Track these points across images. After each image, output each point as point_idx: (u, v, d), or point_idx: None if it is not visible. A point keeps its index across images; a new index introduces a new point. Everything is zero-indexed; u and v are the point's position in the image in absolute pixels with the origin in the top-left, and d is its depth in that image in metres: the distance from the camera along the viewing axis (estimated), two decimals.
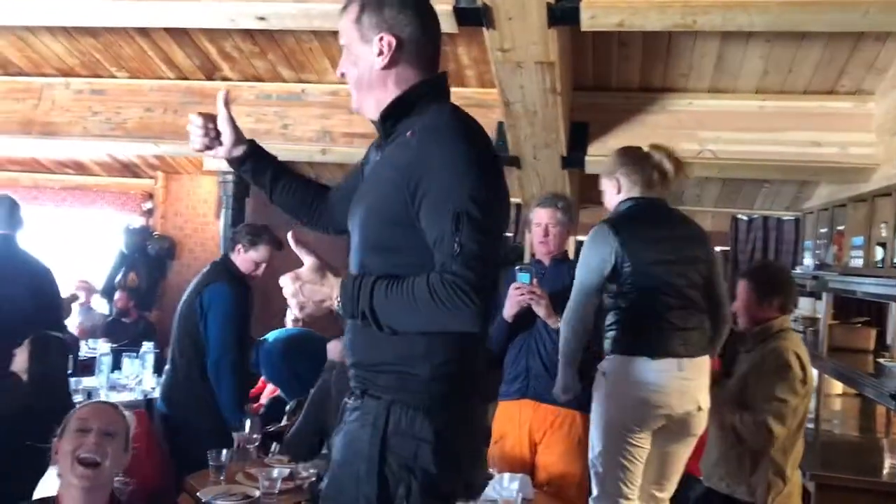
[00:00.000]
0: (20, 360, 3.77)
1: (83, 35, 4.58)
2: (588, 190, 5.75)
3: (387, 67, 1.71)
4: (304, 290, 1.64)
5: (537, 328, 3.22)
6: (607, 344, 2.81)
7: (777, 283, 3.02)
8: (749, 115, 4.24)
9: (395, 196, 1.63)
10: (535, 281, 3.14)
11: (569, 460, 3.15)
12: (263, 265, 3.70)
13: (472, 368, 1.73)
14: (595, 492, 2.79)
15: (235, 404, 3.48)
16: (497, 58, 3.33)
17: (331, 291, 1.63)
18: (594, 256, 2.76)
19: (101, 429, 2.09)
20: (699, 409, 2.72)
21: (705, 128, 4.28)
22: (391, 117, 1.73)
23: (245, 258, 3.68)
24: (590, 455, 2.80)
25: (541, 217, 3.33)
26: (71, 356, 4.58)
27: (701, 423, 2.76)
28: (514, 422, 3.21)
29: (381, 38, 1.70)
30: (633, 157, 2.88)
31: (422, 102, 1.71)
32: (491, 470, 2.82)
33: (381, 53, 1.70)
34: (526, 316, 3.18)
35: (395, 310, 1.59)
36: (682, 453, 2.83)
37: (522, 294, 3.12)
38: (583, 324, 2.80)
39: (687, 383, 2.69)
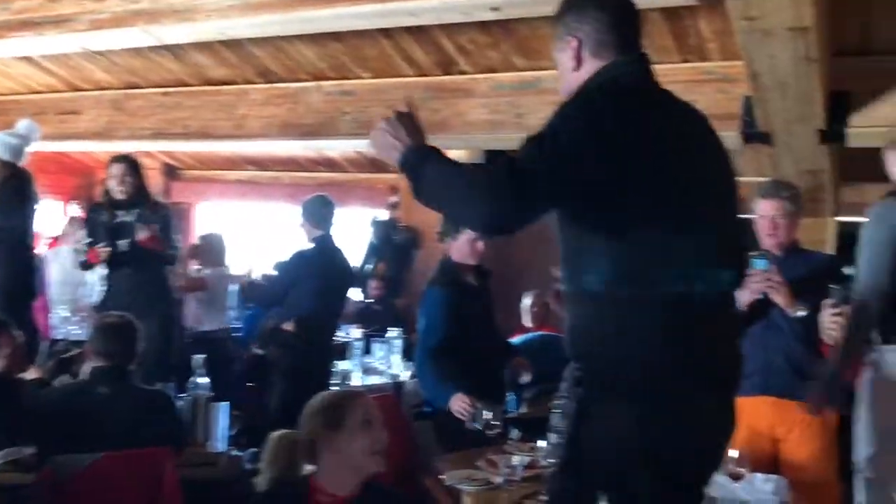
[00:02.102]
0: None
1: (331, 40, 4.89)
2: (850, 166, 5.24)
3: (576, 69, 1.77)
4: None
5: (774, 320, 3.02)
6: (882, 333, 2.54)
7: None
8: None
9: None
10: (773, 268, 2.93)
11: (820, 461, 2.94)
12: (480, 241, 3.52)
13: (689, 355, 1.62)
14: (862, 500, 2.50)
15: (429, 391, 3.56)
16: (742, 27, 3.09)
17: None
18: (881, 231, 2.54)
19: (381, 419, 2.18)
20: None
21: None
22: None
23: (461, 244, 3.54)
24: (856, 458, 2.53)
25: (766, 209, 3.13)
26: None
27: None
28: (752, 419, 3.00)
29: (569, 43, 1.78)
30: None
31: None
32: (742, 469, 2.64)
33: (571, 57, 1.78)
34: (759, 307, 2.98)
35: (438, 180, 1.66)
36: None
37: (759, 281, 2.92)
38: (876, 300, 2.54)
39: None
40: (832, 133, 4.01)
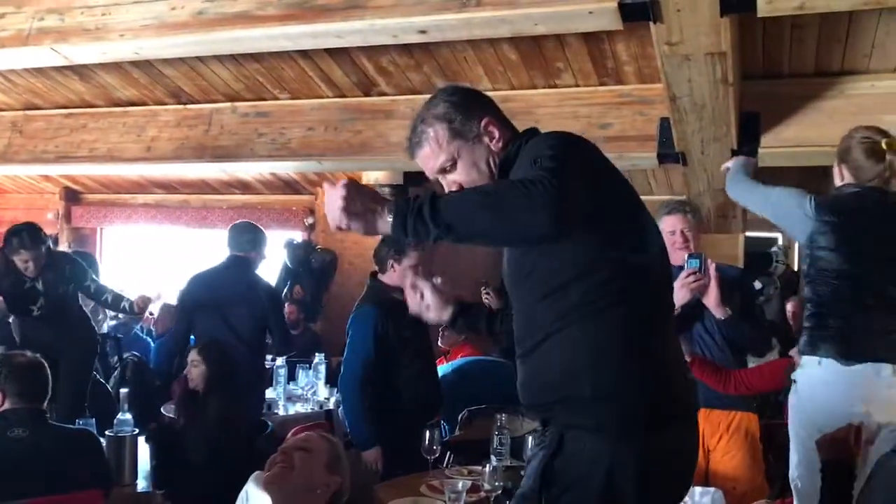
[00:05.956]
0: None
1: (248, 61, 4.79)
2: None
3: (502, 146, 1.80)
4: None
5: (698, 331, 3.10)
6: (801, 343, 2.60)
7: None
8: None
9: None
10: (705, 269, 2.99)
11: (749, 467, 3.03)
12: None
13: (655, 383, 1.63)
14: None
15: (351, 424, 3.63)
16: (664, 52, 3.19)
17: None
18: (791, 195, 2.72)
19: (297, 444, 2.18)
20: None
21: (891, 111, 3.95)
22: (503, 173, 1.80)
23: (399, 271, 3.67)
24: (790, 469, 2.61)
25: (673, 224, 3.23)
26: None
27: None
28: None
29: (484, 125, 1.80)
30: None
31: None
32: None
33: (493, 137, 1.81)
34: (690, 311, 3.05)
35: (466, 203, 1.56)
36: None
37: (695, 280, 2.97)
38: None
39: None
40: (744, 153, 4.16)
